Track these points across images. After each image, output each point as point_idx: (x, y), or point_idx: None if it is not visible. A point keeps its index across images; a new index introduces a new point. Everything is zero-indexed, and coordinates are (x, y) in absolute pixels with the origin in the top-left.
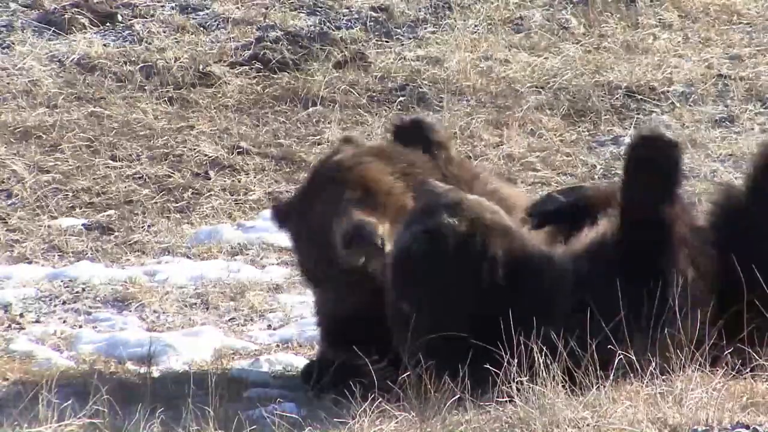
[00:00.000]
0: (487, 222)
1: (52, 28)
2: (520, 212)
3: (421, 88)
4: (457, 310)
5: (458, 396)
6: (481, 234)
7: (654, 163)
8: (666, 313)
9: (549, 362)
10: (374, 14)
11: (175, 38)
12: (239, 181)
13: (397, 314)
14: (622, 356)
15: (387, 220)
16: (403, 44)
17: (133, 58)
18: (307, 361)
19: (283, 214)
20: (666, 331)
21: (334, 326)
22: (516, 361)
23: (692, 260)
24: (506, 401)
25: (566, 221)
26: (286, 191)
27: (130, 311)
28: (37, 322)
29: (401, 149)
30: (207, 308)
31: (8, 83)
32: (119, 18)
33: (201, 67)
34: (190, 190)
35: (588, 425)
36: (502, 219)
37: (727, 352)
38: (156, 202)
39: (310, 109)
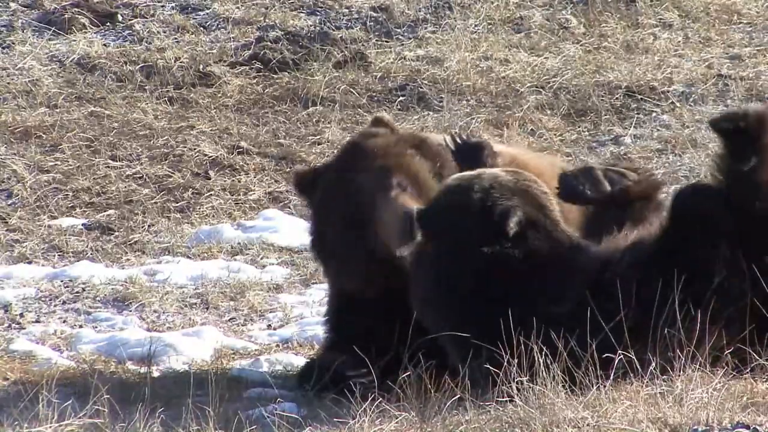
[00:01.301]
0: (528, 194)
1: (52, 28)
2: (549, 181)
3: (421, 88)
4: (460, 269)
5: (458, 396)
6: (506, 196)
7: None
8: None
9: (549, 362)
10: (374, 14)
11: (175, 38)
12: (239, 181)
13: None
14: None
15: None
16: (403, 44)
17: (133, 58)
18: (307, 361)
19: (307, 182)
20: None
21: (344, 302)
22: (516, 360)
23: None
24: (506, 401)
25: (597, 207)
26: (286, 191)
27: (130, 311)
28: (37, 322)
29: (433, 144)
30: (207, 308)
31: (8, 83)
32: (119, 18)
33: (201, 67)
34: (190, 190)
35: (588, 425)
36: (545, 201)
37: (727, 352)
38: (156, 202)
39: (310, 109)
